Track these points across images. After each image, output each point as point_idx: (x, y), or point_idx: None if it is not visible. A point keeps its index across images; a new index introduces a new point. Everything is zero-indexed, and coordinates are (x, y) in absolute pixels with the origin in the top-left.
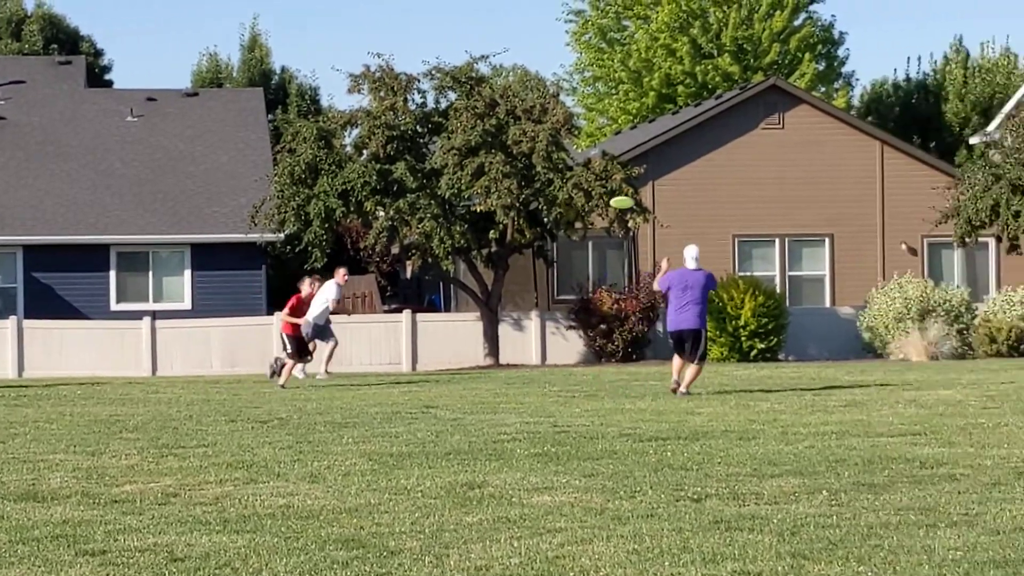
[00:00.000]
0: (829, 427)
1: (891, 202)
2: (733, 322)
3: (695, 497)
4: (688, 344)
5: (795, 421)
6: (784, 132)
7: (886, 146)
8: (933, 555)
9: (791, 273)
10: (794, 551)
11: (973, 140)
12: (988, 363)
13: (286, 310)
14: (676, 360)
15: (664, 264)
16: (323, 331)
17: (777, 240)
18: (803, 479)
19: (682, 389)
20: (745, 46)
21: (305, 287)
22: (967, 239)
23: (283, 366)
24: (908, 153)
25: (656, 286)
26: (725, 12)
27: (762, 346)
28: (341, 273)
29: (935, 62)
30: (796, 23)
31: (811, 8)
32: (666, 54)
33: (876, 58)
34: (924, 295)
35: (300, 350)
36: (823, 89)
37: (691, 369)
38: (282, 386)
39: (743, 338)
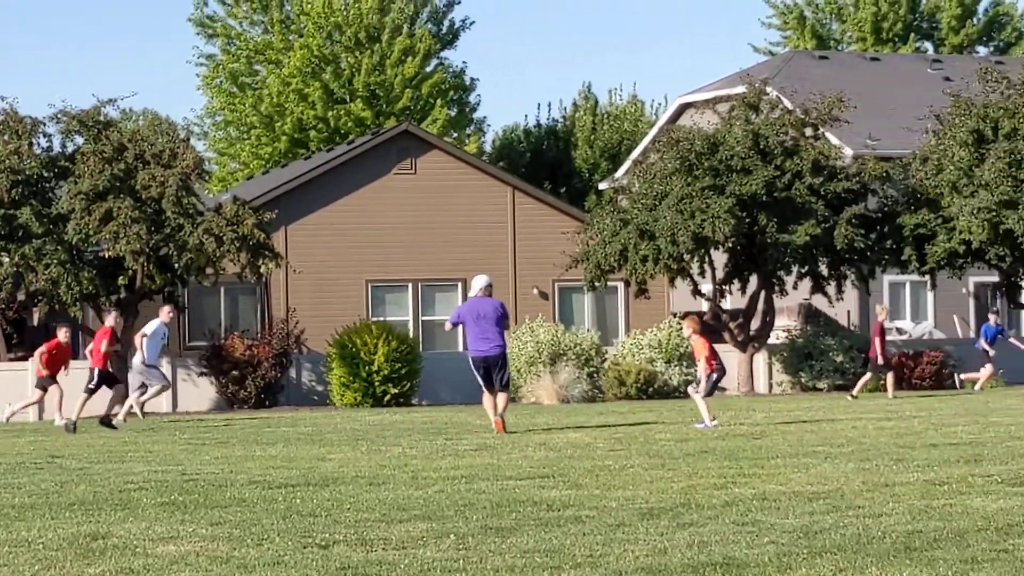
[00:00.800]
0: (459, 471)
1: (522, 247)
2: (366, 367)
3: (323, 544)
4: (495, 371)
5: (425, 465)
6: (417, 177)
7: (517, 191)
8: None
9: (424, 318)
10: None
11: (602, 186)
12: (617, 405)
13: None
14: (486, 399)
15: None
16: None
17: (410, 285)
18: (431, 523)
19: (497, 417)
20: (377, 91)
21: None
22: (596, 283)
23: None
24: (539, 198)
25: (447, 326)
26: (357, 58)
27: (395, 391)
28: (166, 311)
29: (565, 108)
30: (428, 69)
31: (442, 55)
32: (298, 99)
33: (507, 104)
34: (555, 339)
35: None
36: (455, 135)
37: (502, 397)
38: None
39: (376, 383)
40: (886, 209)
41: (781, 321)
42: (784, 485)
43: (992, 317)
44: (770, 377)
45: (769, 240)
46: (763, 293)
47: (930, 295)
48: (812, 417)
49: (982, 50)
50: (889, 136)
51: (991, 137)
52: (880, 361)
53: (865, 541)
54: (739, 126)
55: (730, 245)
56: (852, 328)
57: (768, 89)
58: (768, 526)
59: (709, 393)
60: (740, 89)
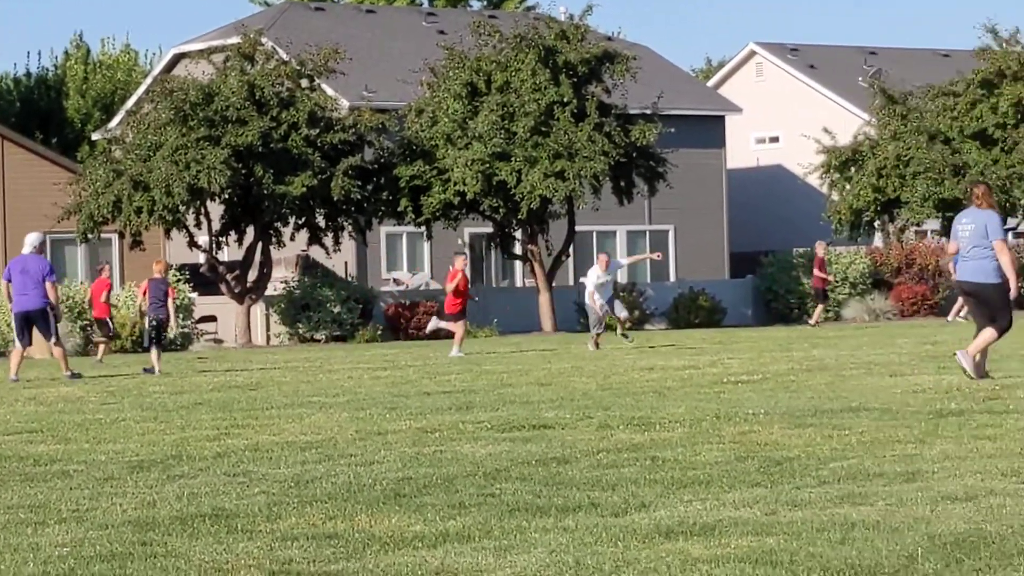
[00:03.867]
0: None
1: (13, 197)
2: None
3: None
4: (38, 324)
5: None
6: None
7: (7, 141)
8: (39, 552)
9: None
10: None
11: (95, 136)
12: (112, 358)
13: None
14: (16, 353)
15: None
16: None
17: None
18: None
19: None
20: None
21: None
22: (90, 235)
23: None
24: (29, 149)
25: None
26: None
27: None
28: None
29: (56, 57)
30: None
31: None
32: None
33: None
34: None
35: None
36: None
37: (56, 350)
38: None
39: None
40: (382, 160)
41: (279, 273)
42: (277, 435)
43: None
44: (268, 329)
45: (266, 191)
46: (260, 244)
47: (426, 246)
48: (309, 367)
49: (476, 4)
50: (385, 88)
51: (484, 90)
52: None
53: (356, 489)
54: (234, 77)
55: (226, 196)
56: (350, 279)
57: (264, 40)
58: (259, 476)
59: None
60: (235, 40)
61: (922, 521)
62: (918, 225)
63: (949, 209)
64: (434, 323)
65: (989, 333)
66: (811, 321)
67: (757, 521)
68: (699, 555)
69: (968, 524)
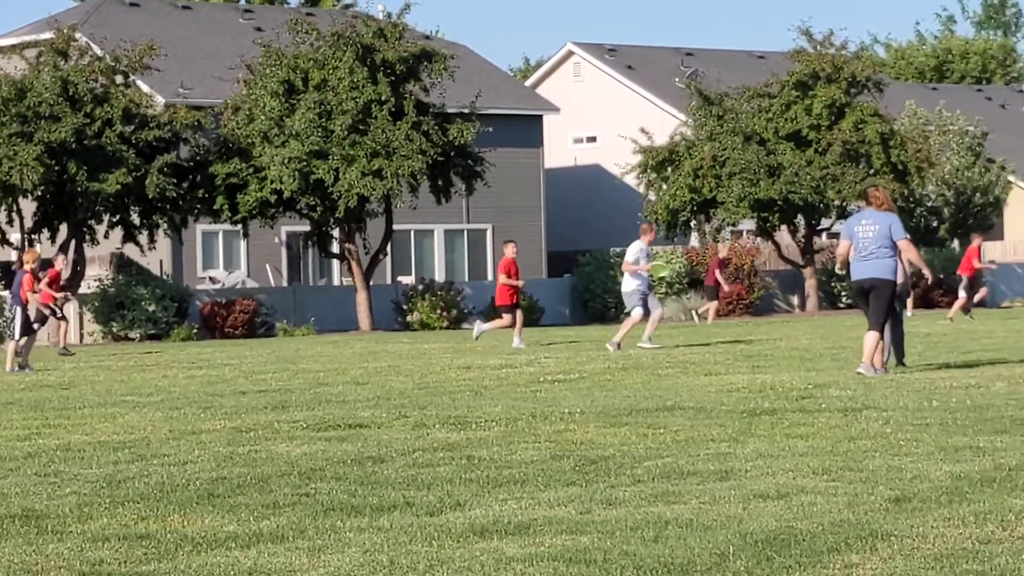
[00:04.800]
0: None
1: None
2: None
3: None
4: None
5: None
6: None
7: None
8: None
9: None
10: None
11: None
12: None
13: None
14: None
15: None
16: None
17: None
18: None
19: None
20: None
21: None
22: None
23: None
24: None
25: None
26: None
27: None
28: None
29: None
30: None
31: None
32: None
33: None
34: None
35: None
36: None
37: None
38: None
39: None
40: (198, 158)
41: (93, 271)
42: (89, 435)
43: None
44: (81, 327)
45: (79, 189)
46: (74, 242)
47: (243, 244)
48: (123, 366)
49: (293, 1)
50: (201, 85)
51: (301, 88)
52: (711, 287)
53: (169, 489)
54: (47, 72)
55: (39, 193)
56: (165, 277)
57: (77, 35)
58: (71, 476)
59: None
60: (48, 35)
61: (734, 519)
62: (734, 225)
63: (764, 209)
64: (479, 328)
65: (874, 336)
66: (706, 319)
67: (571, 520)
68: (513, 554)
69: (779, 522)
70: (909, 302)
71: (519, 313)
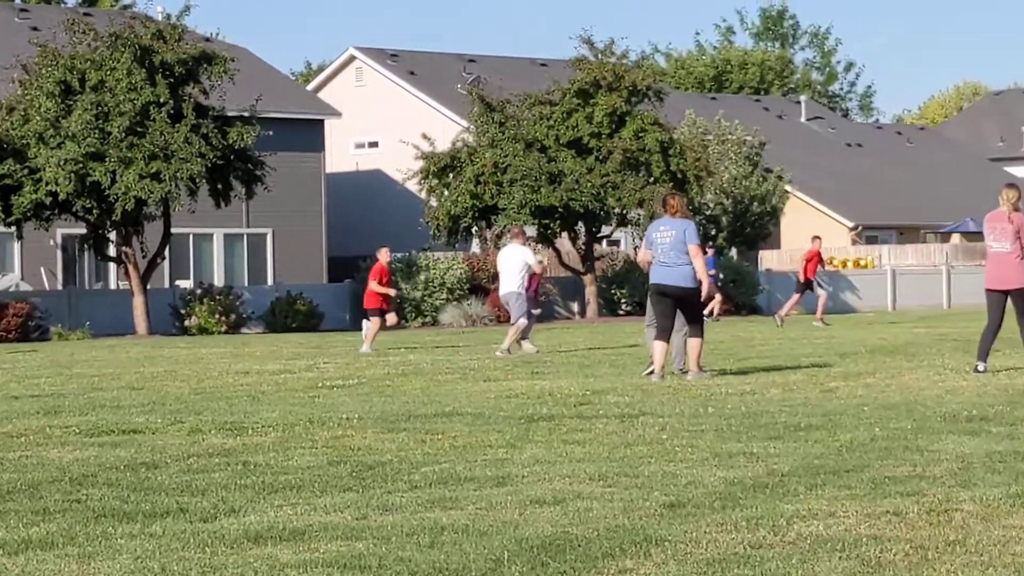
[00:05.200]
0: None
1: None
2: None
3: None
4: None
5: None
6: None
7: None
8: None
9: None
10: None
11: None
12: None
13: None
14: None
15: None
16: None
17: None
18: None
19: None
20: None
21: None
22: None
23: None
24: None
25: None
26: None
27: None
28: None
29: None
30: None
31: None
32: None
33: None
34: None
35: None
36: None
37: None
38: None
39: None
40: None
41: None
42: None
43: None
44: None
45: None
46: None
47: (17, 246)
48: None
49: (71, 1)
50: None
51: (78, 88)
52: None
53: None
54: None
55: None
56: None
57: None
58: None
59: None
60: None
61: (510, 525)
62: None
63: (545, 216)
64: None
65: (696, 343)
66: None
67: (347, 526)
68: (287, 560)
69: (555, 527)
70: (715, 307)
71: (382, 319)
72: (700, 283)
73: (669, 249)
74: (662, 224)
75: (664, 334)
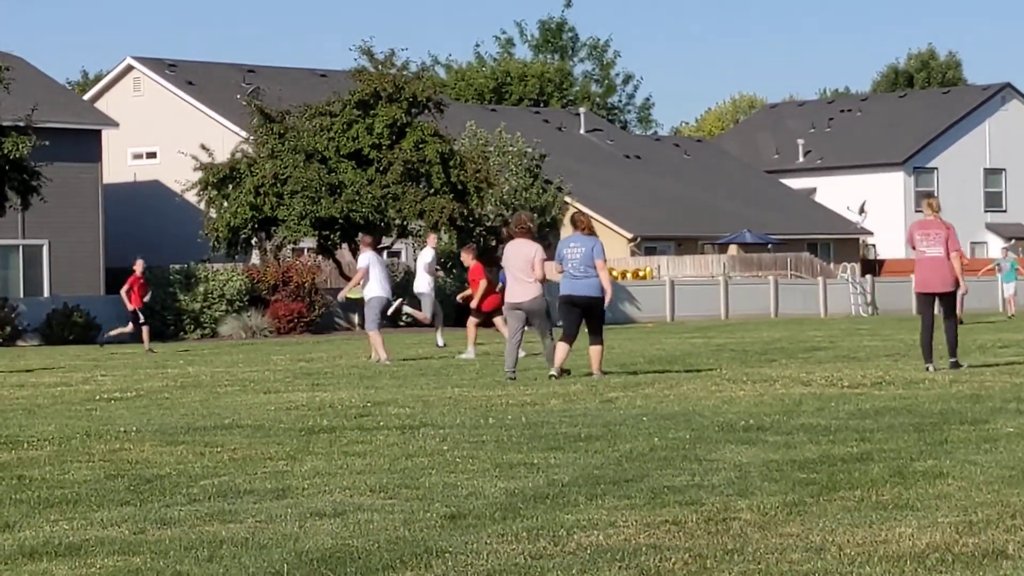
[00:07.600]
0: None
1: None
2: None
3: None
4: None
5: None
6: None
7: None
8: None
9: None
10: None
11: None
12: None
13: None
14: None
15: None
16: None
17: None
18: None
19: None
20: None
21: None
22: None
23: None
24: None
25: None
26: None
27: None
28: None
29: None
30: None
31: None
32: None
33: None
34: None
35: None
36: None
37: None
38: None
39: None
40: None
41: None
42: None
43: None
44: None
45: None
46: None
47: None
48: None
49: None
50: None
51: None
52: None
53: None
54: None
55: None
56: None
57: None
58: None
59: None
60: None
61: (290, 537)
62: (295, 243)
63: (326, 227)
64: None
65: (598, 350)
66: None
67: (125, 540)
68: None
69: (335, 540)
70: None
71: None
72: (605, 293)
73: (579, 264)
74: (572, 241)
75: (569, 338)
